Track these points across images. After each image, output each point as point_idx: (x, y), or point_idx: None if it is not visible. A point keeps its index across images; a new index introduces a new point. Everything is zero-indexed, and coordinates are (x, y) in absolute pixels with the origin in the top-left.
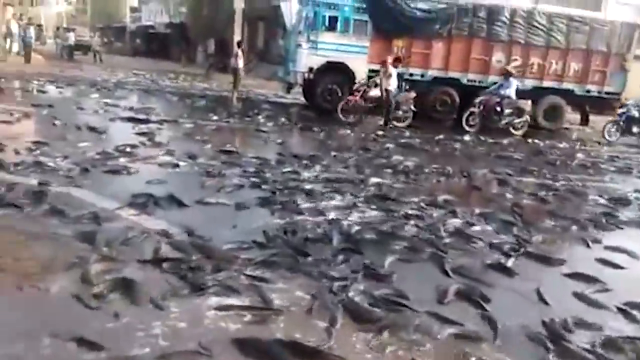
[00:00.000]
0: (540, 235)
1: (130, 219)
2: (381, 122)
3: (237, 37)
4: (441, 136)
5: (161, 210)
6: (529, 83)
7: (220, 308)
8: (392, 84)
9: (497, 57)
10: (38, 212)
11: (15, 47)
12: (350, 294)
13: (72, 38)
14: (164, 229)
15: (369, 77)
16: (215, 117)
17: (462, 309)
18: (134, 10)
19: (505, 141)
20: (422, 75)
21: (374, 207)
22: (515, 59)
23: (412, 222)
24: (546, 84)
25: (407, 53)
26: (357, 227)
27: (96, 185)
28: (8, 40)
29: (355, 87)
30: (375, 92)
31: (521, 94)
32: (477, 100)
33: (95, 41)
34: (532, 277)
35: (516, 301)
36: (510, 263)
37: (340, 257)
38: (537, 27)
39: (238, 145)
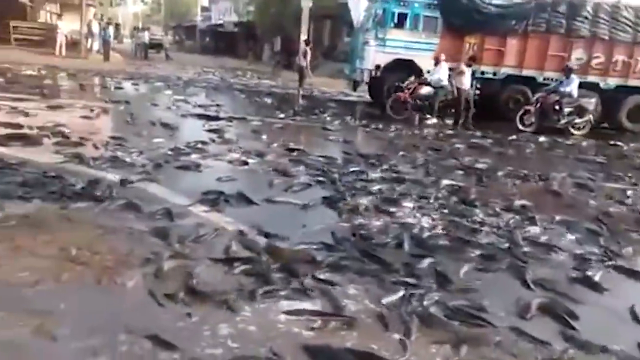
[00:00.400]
0: (631, 247)
1: (201, 216)
2: (433, 121)
3: (303, 35)
4: (514, 137)
5: (231, 208)
6: (612, 82)
7: (290, 312)
8: (466, 83)
9: (577, 54)
10: (115, 206)
11: (96, 46)
12: (425, 303)
13: (146, 37)
14: (234, 227)
15: None
16: (281, 115)
17: (546, 325)
18: (204, 9)
19: (584, 143)
20: (494, 74)
21: (446, 210)
22: (597, 56)
23: (487, 228)
24: (632, 82)
25: (478, 50)
26: (428, 232)
27: (169, 180)
28: (89, 39)
29: (405, 84)
30: (425, 90)
31: (604, 93)
32: (534, 98)
33: (165, 40)
34: (624, 294)
35: (607, 320)
36: (598, 277)
37: (413, 264)
38: (622, 22)
39: (304, 143)
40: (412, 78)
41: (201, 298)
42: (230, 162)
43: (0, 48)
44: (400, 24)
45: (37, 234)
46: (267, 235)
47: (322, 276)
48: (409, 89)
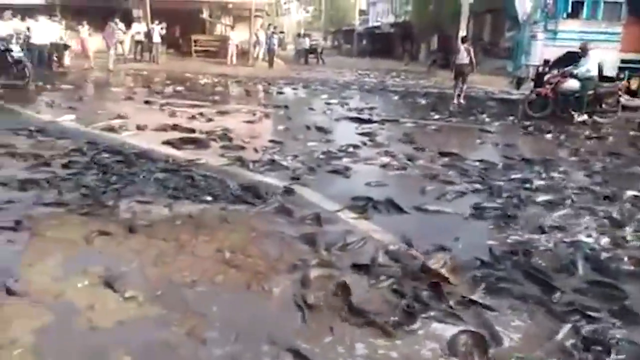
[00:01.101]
0: None
1: (349, 223)
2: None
3: (462, 32)
4: None
5: (379, 215)
6: None
7: (440, 338)
8: None
9: None
10: (269, 209)
11: (262, 54)
12: (606, 343)
13: (307, 43)
14: (382, 236)
15: (622, 69)
16: (436, 116)
17: None
18: (362, 13)
19: None
20: None
21: (629, 228)
22: None
23: None
24: None
25: None
26: (608, 254)
27: (320, 185)
28: (256, 48)
29: (546, 77)
30: (569, 84)
31: None
32: None
33: (319, 44)
34: None
35: None
36: None
37: (589, 292)
38: None
39: (460, 146)
40: (555, 71)
41: (345, 312)
42: (380, 166)
43: (183, 60)
44: (574, 13)
45: (198, 234)
46: (416, 247)
47: (477, 298)
48: (550, 83)
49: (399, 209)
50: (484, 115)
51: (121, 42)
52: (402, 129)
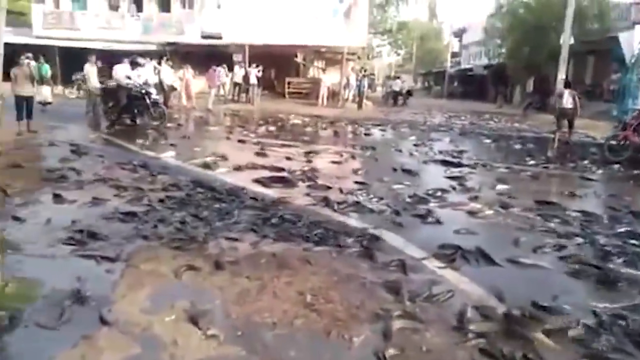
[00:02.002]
0: None
1: (435, 272)
2: None
3: (561, 75)
4: None
5: (468, 266)
6: None
7: None
8: None
9: None
10: (352, 252)
11: (351, 96)
12: None
13: (398, 85)
14: (471, 289)
15: None
16: (532, 162)
17: None
18: (454, 55)
19: None
20: None
21: None
22: None
23: None
24: None
25: None
26: None
27: (405, 230)
28: (346, 90)
29: (628, 119)
30: None
31: None
32: None
33: (404, 86)
34: None
35: None
36: None
37: None
38: None
39: (558, 195)
40: (637, 113)
41: None
42: (470, 213)
43: (277, 101)
44: None
45: (281, 274)
46: (508, 304)
47: None
48: (630, 125)
49: (490, 260)
50: (586, 162)
51: (223, 85)
52: (495, 174)
